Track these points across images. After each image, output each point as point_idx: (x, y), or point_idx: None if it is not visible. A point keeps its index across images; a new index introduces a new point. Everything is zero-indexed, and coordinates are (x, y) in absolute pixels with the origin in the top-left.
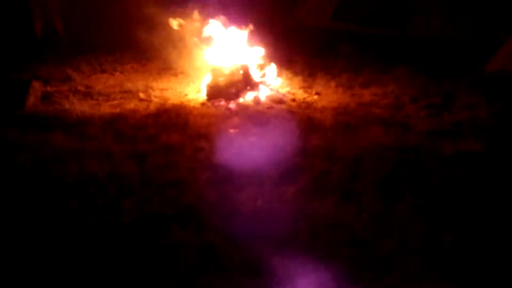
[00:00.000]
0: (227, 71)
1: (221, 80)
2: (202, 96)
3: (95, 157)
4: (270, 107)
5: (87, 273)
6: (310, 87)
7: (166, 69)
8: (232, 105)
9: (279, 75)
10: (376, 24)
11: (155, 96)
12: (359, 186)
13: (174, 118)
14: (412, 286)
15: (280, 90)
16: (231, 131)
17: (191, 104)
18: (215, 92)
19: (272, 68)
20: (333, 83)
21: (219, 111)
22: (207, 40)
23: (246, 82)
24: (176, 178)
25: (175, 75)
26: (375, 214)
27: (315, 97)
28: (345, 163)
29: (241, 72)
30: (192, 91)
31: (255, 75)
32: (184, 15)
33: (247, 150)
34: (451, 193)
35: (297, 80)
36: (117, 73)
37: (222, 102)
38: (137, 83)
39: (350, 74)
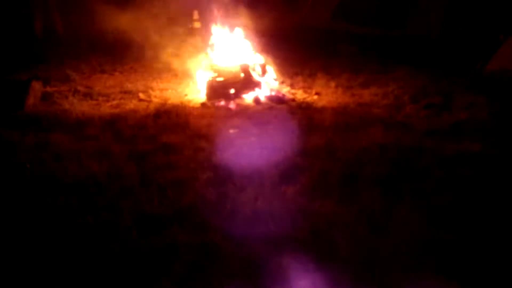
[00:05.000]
0: (227, 71)
1: (221, 80)
2: (202, 96)
3: (95, 157)
4: (270, 107)
5: (87, 272)
6: (310, 87)
7: (166, 69)
8: (232, 105)
9: (279, 75)
10: (376, 24)
11: (155, 96)
12: (359, 186)
13: (174, 118)
14: (412, 286)
15: (280, 90)
16: (231, 131)
17: (191, 104)
18: (215, 92)
19: (272, 68)
20: (333, 83)
21: (219, 111)
22: (208, 40)
23: (246, 82)
24: (176, 178)
25: (175, 75)
26: (375, 214)
27: (315, 97)
28: (345, 163)
29: (241, 72)
30: (192, 91)
31: (255, 75)
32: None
33: (247, 150)
34: (450, 193)
35: (297, 80)
36: (117, 73)
37: (222, 102)
38: (137, 83)
39: (350, 74)
